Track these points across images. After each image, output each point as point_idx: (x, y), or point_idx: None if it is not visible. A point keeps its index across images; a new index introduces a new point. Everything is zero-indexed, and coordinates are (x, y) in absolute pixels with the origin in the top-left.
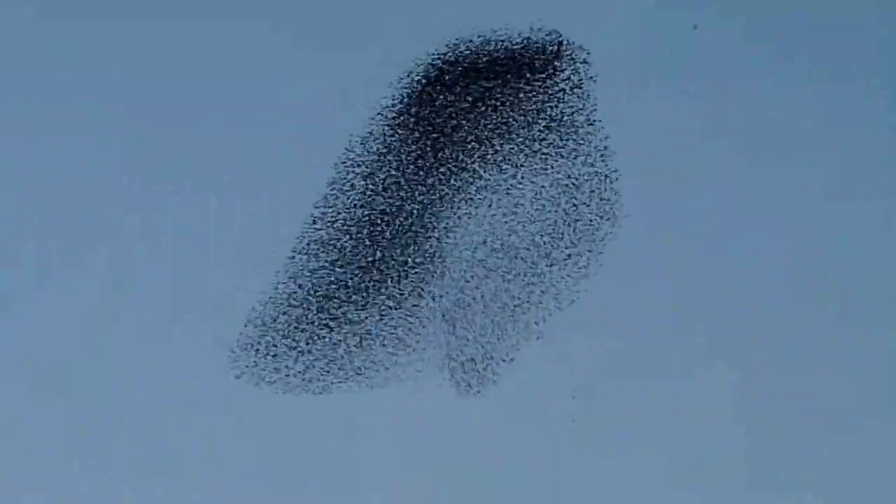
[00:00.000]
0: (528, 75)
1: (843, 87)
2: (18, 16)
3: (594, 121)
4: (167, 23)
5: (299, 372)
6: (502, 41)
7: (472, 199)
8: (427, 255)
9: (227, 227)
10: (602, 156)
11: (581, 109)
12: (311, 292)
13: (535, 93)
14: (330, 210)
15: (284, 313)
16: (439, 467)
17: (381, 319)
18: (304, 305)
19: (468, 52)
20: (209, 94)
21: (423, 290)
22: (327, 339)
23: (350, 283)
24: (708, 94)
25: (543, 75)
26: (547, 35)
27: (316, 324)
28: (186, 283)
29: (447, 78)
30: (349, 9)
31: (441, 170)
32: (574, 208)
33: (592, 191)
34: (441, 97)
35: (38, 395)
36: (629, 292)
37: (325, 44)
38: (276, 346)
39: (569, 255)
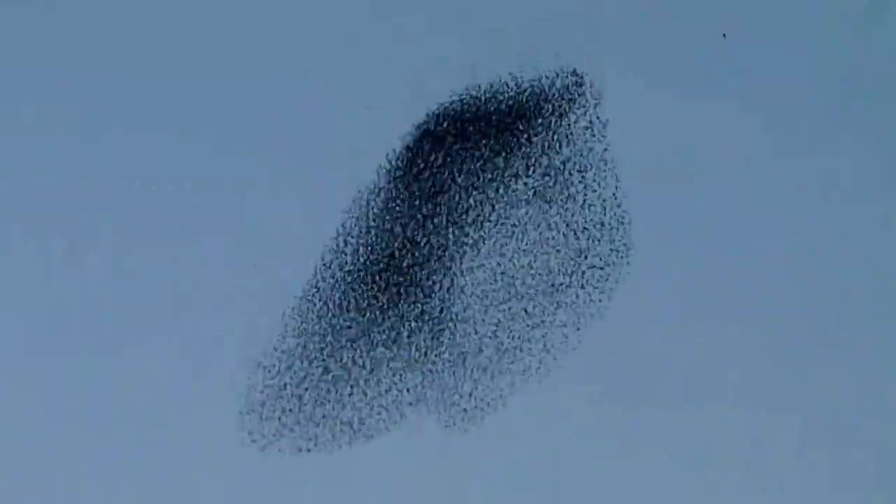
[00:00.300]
0: (540, 120)
1: (844, 87)
2: (18, 16)
3: (606, 160)
4: (165, 24)
5: (306, 435)
6: (513, 86)
7: (479, 242)
8: (435, 298)
9: (226, 227)
10: (615, 198)
11: (592, 151)
12: (318, 343)
13: (545, 136)
14: (336, 258)
15: (290, 367)
16: None
17: (388, 366)
18: (310, 358)
19: (477, 99)
20: (209, 94)
21: (430, 334)
22: (333, 397)
23: (356, 330)
24: (708, 95)
25: (553, 119)
26: (563, 76)
27: (322, 378)
28: (186, 283)
29: (455, 125)
30: (355, 62)
31: (448, 214)
32: (583, 253)
33: (603, 235)
34: (450, 143)
35: (37, 394)
36: (635, 339)
37: (334, 88)
38: (283, 409)
39: (577, 297)
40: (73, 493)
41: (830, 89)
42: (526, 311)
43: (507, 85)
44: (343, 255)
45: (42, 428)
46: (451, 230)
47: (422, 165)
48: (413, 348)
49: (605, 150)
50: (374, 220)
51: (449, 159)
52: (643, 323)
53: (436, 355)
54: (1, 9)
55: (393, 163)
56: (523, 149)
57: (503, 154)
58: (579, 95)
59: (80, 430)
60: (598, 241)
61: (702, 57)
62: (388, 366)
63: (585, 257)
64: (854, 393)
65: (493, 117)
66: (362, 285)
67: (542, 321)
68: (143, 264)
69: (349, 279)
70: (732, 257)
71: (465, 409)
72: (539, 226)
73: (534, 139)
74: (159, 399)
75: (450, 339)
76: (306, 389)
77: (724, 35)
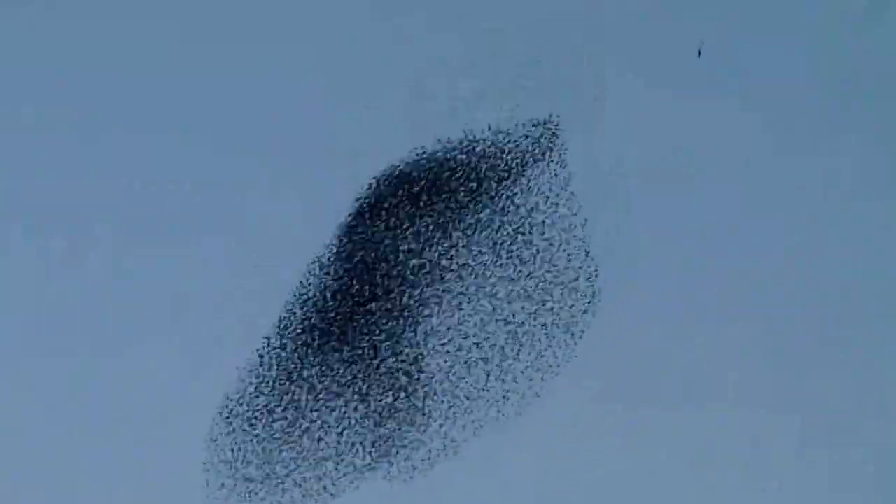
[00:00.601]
0: (509, 176)
1: (844, 87)
2: (18, 16)
3: (574, 212)
4: (165, 24)
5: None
6: (482, 141)
7: (441, 296)
8: (397, 356)
9: (226, 227)
10: (583, 247)
11: (558, 207)
12: (280, 399)
13: (511, 188)
14: (295, 316)
15: (253, 425)
16: None
17: (355, 424)
18: (275, 414)
19: (429, 159)
20: (209, 94)
21: (396, 391)
22: (299, 456)
23: (320, 388)
24: (708, 95)
25: (513, 176)
26: (538, 128)
27: (287, 435)
28: (186, 283)
29: (401, 189)
30: (355, 62)
31: (397, 278)
32: (547, 303)
33: (568, 287)
34: (394, 208)
35: (37, 394)
36: (635, 339)
37: (334, 88)
38: (247, 468)
39: (546, 349)
40: (73, 493)
41: (830, 89)
42: (485, 360)
43: (463, 144)
44: (302, 312)
45: (42, 428)
46: (405, 292)
47: (365, 233)
48: (380, 404)
49: (570, 198)
50: (328, 282)
51: (395, 223)
52: (643, 323)
53: (400, 411)
54: (1, 9)
55: (345, 223)
56: (480, 206)
57: (456, 214)
58: (550, 149)
59: (80, 430)
60: (563, 290)
61: (702, 57)
62: (354, 424)
63: (551, 308)
64: (854, 393)
65: (445, 177)
66: (322, 345)
67: (502, 369)
68: (143, 264)
69: (307, 339)
70: (732, 257)
71: (408, 459)
72: (501, 278)
73: (492, 197)
74: (159, 399)
75: (412, 394)
76: (272, 447)
77: (699, 53)
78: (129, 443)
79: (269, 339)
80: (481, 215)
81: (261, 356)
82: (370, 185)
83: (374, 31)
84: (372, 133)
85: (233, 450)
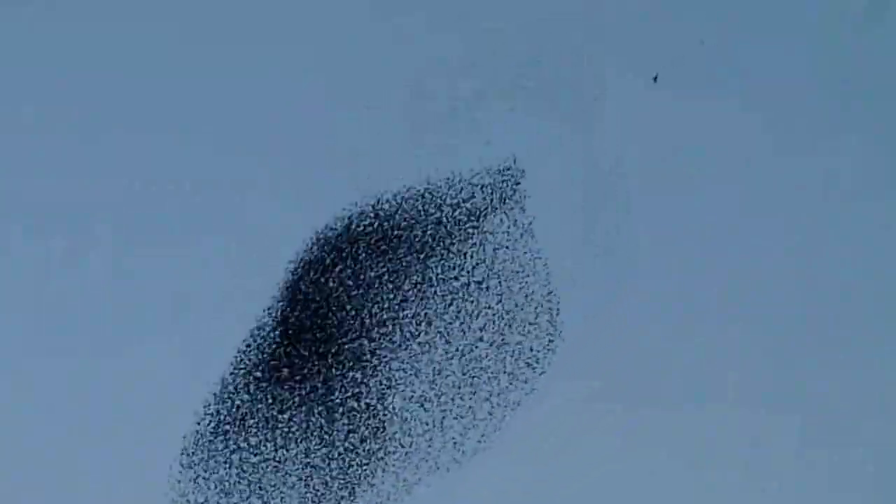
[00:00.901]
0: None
1: (844, 87)
2: (18, 16)
3: (536, 256)
4: (165, 24)
5: None
6: (440, 190)
7: (394, 341)
8: (357, 396)
9: (226, 227)
10: (546, 287)
11: (516, 254)
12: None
13: (469, 238)
14: (248, 361)
15: (216, 464)
16: None
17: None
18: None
19: (400, 203)
20: (209, 94)
21: (360, 435)
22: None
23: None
24: (708, 95)
25: (476, 223)
26: (501, 171)
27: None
28: (186, 283)
29: (371, 235)
30: (355, 62)
31: (361, 317)
32: (507, 343)
33: (529, 330)
34: (362, 251)
35: (37, 394)
36: (635, 339)
37: (334, 88)
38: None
39: (507, 387)
40: (73, 493)
41: (830, 89)
42: (438, 397)
43: (420, 193)
44: (257, 355)
45: (42, 428)
46: (357, 340)
47: (314, 285)
48: (339, 448)
49: (531, 242)
50: (278, 333)
51: (341, 278)
52: (643, 323)
53: (361, 454)
54: (1, 9)
55: (295, 269)
56: (436, 257)
57: (409, 266)
58: (510, 196)
59: (80, 430)
60: (523, 328)
61: (702, 57)
62: (317, 466)
63: (510, 346)
64: (854, 393)
65: (399, 228)
66: (277, 387)
67: (461, 408)
68: (143, 264)
69: (263, 381)
70: (732, 257)
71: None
72: (455, 323)
73: (447, 246)
74: (159, 399)
75: (373, 436)
76: (231, 490)
77: (702, 42)
78: (128, 443)
79: (224, 378)
80: (437, 266)
81: (214, 394)
82: (315, 238)
83: (374, 31)
84: (372, 133)
85: (194, 492)
